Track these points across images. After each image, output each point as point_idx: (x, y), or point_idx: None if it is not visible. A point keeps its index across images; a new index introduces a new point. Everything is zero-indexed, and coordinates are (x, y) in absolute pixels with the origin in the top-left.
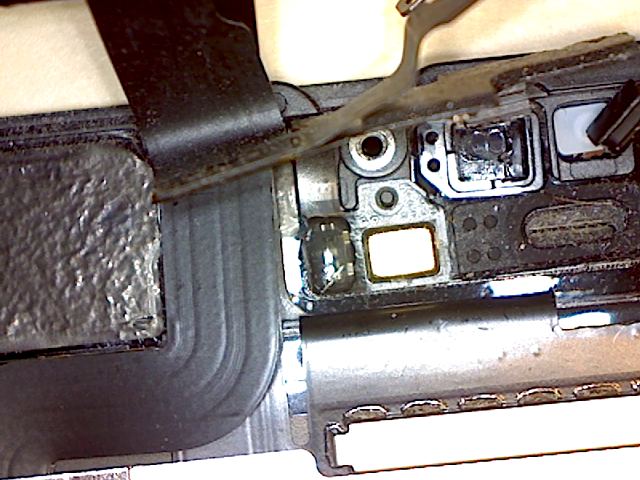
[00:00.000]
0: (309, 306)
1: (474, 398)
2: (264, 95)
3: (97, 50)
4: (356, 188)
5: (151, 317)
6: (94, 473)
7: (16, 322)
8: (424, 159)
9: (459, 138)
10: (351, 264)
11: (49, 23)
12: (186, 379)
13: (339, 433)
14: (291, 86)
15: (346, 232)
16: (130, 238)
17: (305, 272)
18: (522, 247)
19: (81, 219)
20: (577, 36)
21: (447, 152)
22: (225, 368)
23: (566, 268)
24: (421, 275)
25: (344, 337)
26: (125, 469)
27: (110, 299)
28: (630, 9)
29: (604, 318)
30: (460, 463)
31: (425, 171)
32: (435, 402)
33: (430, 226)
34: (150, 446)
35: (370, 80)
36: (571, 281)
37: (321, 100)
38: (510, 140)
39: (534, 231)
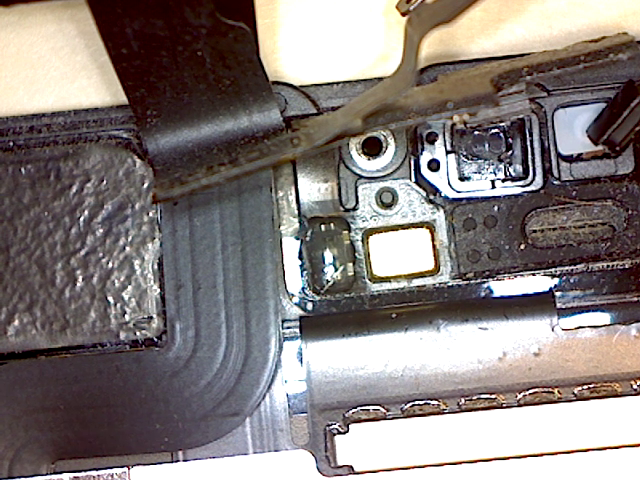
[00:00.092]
0: (309, 306)
1: (474, 398)
2: (264, 95)
3: (97, 50)
4: (356, 188)
5: (151, 317)
6: (94, 473)
7: (16, 322)
8: (424, 159)
9: (459, 138)
10: (351, 264)
11: (49, 23)
12: (186, 379)
13: (339, 433)
14: (291, 86)
15: (346, 232)
16: (130, 238)
17: (305, 272)
18: (522, 247)
19: (81, 219)
20: (577, 36)
21: (447, 152)
22: (225, 368)
23: (566, 268)
24: (421, 275)
25: (344, 337)
26: (125, 469)
27: (110, 299)
28: (630, 9)
29: (604, 318)
30: (460, 463)
31: (425, 171)
32: (435, 402)
33: (430, 226)
34: (150, 446)
35: (370, 80)
36: (571, 281)
37: (321, 100)
38: (510, 140)
39: (534, 231)
